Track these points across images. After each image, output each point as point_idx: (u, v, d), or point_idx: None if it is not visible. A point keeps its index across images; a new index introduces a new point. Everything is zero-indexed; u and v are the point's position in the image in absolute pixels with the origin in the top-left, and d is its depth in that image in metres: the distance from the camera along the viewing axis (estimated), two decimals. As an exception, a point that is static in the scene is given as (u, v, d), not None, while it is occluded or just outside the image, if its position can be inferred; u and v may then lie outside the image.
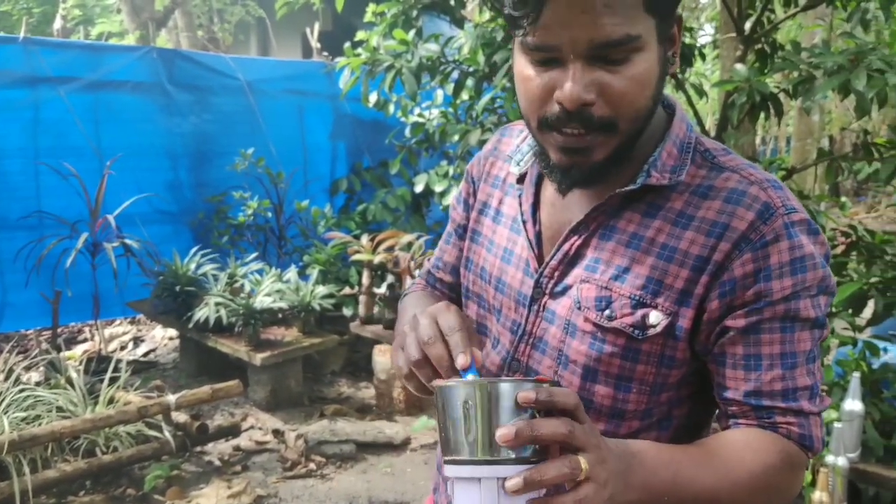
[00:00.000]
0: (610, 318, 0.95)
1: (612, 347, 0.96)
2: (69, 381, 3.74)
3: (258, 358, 4.09)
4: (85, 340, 5.36)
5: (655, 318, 0.93)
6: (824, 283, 0.93)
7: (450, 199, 4.95)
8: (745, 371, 0.92)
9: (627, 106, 0.88)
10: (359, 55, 3.43)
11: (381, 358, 4.26)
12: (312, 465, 3.65)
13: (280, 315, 4.55)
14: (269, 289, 4.32)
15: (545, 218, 1.06)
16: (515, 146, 1.11)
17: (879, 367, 3.05)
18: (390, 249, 4.52)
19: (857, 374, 2.74)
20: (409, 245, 4.51)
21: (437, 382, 0.78)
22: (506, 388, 0.73)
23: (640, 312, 0.94)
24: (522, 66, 0.91)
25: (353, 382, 4.77)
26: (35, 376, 4.24)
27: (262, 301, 4.20)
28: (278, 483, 3.52)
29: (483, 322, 1.14)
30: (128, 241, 4.55)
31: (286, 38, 10.58)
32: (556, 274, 1.01)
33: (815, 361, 0.94)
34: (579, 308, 0.98)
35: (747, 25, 3.38)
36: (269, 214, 5.33)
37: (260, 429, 4.06)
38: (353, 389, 4.66)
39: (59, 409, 3.56)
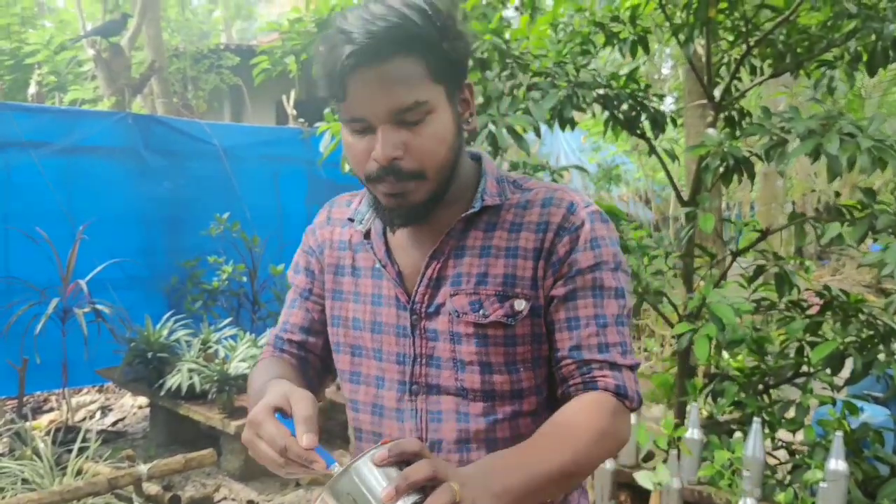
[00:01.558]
0: (485, 316, 1.15)
1: (494, 339, 1.16)
2: (35, 452, 3.61)
3: (232, 426, 4.00)
4: (51, 410, 5.20)
5: (519, 304, 1.16)
6: (618, 259, 1.18)
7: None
8: (569, 331, 1.15)
9: (430, 158, 1.09)
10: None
11: (358, 424, 4.18)
12: (288, 537, 3.54)
13: (254, 381, 4.46)
14: (243, 354, 4.26)
15: (400, 259, 1.24)
16: (352, 210, 1.30)
17: (859, 426, 3.06)
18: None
19: (839, 434, 2.74)
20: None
21: (320, 496, 0.86)
22: (365, 461, 0.84)
23: (507, 304, 1.15)
24: (346, 135, 1.12)
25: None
26: (-2, 447, 4.10)
27: (236, 367, 4.12)
28: (253, 556, 3.40)
29: (358, 369, 1.28)
30: (99, 307, 4.46)
31: (260, 107, 10.68)
32: (426, 298, 1.20)
33: (624, 326, 1.16)
34: (458, 317, 1.17)
35: (717, 92, 3.48)
36: (244, 279, 5.28)
37: (233, 500, 3.94)
38: (328, 457, 4.56)
39: (25, 481, 3.43)
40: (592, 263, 1.15)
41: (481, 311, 1.15)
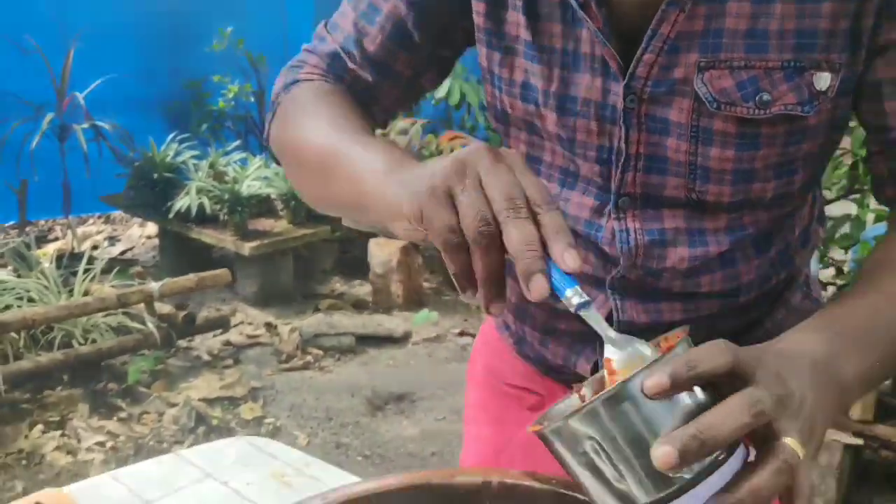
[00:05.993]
0: (764, 105, 0.70)
1: (770, 138, 0.72)
2: (41, 273, 3.43)
3: (246, 248, 3.79)
4: (56, 239, 5.01)
5: (823, 81, 0.69)
6: None
7: (443, 92, 4.60)
8: None
9: None
10: None
11: (379, 251, 3.99)
12: (310, 358, 3.41)
13: (267, 205, 4.22)
14: (255, 174, 4.00)
15: None
16: None
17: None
18: (384, 136, 4.20)
19: None
20: (405, 132, 4.20)
21: (534, 430, 0.52)
22: (633, 388, 0.48)
23: (801, 80, 0.69)
24: None
25: (347, 280, 4.48)
26: (2, 273, 3.91)
27: (249, 186, 3.87)
28: (273, 375, 3.28)
29: (538, 154, 0.84)
30: (99, 124, 4.16)
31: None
32: (654, 69, 0.72)
33: None
34: (717, 107, 0.71)
35: None
36: (252, 99, 4.93)
37: (250, 324, 3.80)
38: (346, 286, 4.39)
39: (31, 299, 3.26)
40: None
41: (758, 97, 0.69)
